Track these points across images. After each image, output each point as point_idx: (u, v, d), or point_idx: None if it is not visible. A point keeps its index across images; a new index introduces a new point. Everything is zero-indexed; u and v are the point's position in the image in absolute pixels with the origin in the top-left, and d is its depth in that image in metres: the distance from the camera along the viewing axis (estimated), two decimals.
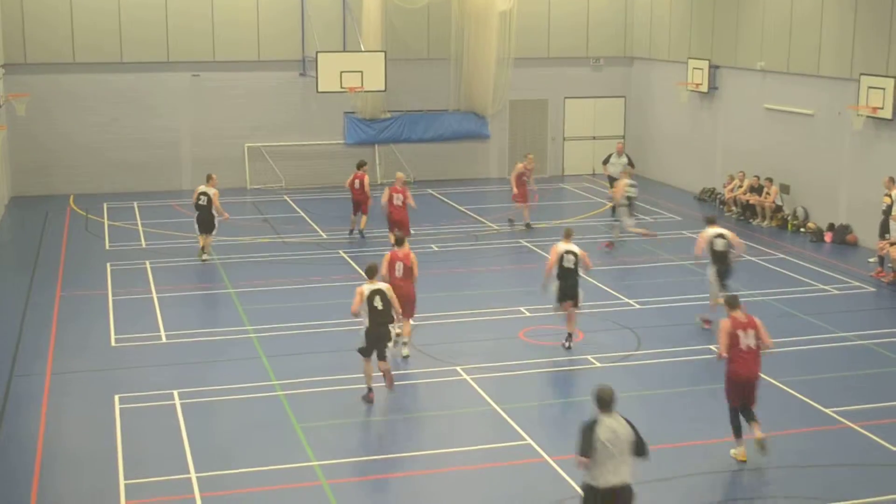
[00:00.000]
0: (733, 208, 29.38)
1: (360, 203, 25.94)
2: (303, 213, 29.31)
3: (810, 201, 27.55)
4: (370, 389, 15.37)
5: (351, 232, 26.37)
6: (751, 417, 13.45)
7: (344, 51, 32.09)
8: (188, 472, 13.17)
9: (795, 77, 27.99)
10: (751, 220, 28.44)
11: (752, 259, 24.30)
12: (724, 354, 13.33)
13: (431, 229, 26.41)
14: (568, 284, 17.49)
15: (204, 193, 23.74)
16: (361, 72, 29.77)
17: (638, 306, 20.50)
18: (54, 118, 31.58)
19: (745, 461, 13.41)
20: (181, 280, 22.47)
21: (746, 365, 13.31)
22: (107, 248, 25.36)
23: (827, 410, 15.20)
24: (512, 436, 14.34)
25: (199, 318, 19.79)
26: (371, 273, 15.44)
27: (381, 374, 15.39)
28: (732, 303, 13.58)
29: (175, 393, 15.81)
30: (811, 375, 16.73)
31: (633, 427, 10.37)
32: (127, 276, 22.58)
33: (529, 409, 15.28)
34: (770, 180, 28.30)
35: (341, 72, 29.60)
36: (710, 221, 18.95)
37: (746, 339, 13.32)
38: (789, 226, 27.55)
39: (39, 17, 31.10)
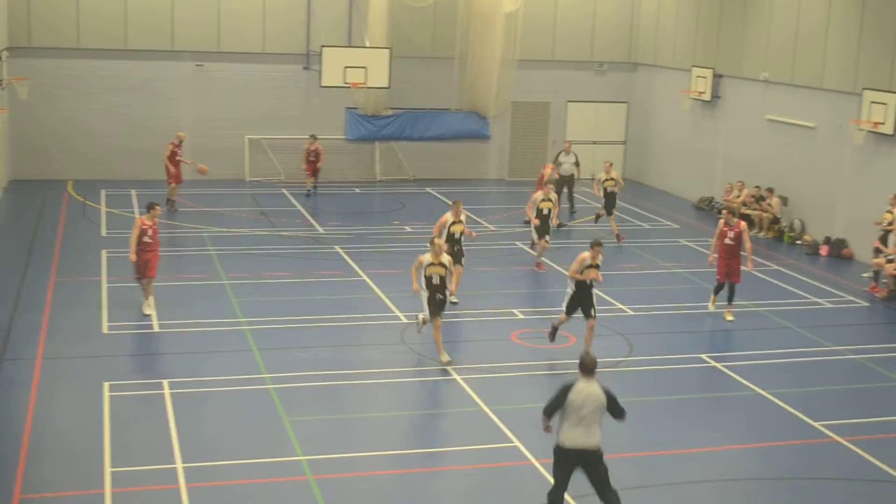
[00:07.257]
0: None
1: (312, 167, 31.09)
2: (300, 208, 29.29)
3: (808, 214, 27.55)
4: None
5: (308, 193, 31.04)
6: None
7: (349, 46, 32.07)
8: (174, 463, 13.17)
9: (798, 89, 27.97)
10: None
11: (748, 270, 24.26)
12: None
13: (427, 228, 26.31)
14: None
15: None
16: (365, 67, 29.76)
17: (631, 312, 20.50)
18: (56, 102, 31.53)
19: None
20: (175, 270, 22.44)
21: None
22: (103, 234, 25.36)
23: (816, 424, 15.20)
24: (500, 437, 14.33)
25: (192, 309, 19.75)
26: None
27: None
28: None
29: (165, 382, 15.80)
30: (802, 388, 16.72)
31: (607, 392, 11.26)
32: (122, 264, 22.45)
33: (518, 412, 15.25)
34: (770, 190, 28.27)
35: (345, 67, 29.57)
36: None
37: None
38: (785, 237, 27.54)
39: (45, 1, 31.08)
